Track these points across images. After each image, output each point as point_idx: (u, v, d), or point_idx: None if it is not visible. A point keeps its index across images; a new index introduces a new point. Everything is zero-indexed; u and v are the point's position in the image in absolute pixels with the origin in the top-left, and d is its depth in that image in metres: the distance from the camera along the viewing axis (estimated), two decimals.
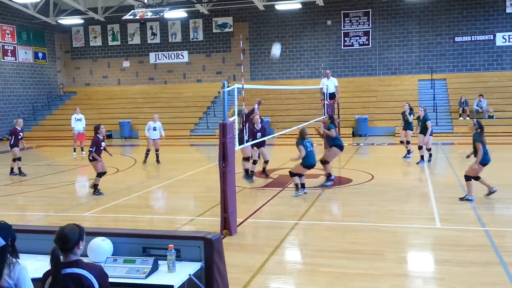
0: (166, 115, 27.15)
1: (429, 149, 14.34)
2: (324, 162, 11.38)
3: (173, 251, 3.90)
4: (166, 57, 30.72)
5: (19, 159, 14.21)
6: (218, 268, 4.07)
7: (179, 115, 27.26)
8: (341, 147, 11.50)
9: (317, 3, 26.33)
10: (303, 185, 10.34)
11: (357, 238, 7.31)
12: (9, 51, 28.11)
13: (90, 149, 10.99)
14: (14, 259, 3.30)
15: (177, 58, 30.55)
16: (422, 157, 14.29)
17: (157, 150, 15.81)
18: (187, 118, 26.96)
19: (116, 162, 16.31)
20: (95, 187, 11.08)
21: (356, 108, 24.53)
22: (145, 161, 15.85)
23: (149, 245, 4.25)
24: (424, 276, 5.87)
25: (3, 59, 27.70)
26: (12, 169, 14.35)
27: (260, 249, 6.84)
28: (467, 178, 9.34)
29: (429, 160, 14.38)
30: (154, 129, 15.67)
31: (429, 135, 14.17)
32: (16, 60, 28.56)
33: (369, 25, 27.40)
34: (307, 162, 10.21)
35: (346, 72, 27.65)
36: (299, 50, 28.53)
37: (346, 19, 27.67)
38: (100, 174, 11.13)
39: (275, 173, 13.35)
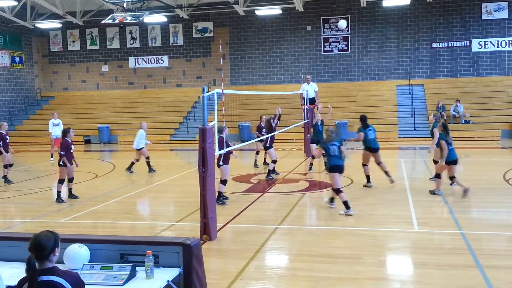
0: (146, 120, 26.93)
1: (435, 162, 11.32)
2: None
3: (151, 257, 3.86)
4: (145, 62, 30.52)
5: (10, 165, 13.80)
6: (197, 274, 4.04)
7: (159, 120, 27.09)
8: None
9: (297, 8, 26.50)
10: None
11: (337, 242, 7.35)
12: None
13: (61, 152, 10.65)
14: None
15: (157, 63, 30.38)
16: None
17: (147, 158, 14.89)
18: (167, 123, 26.81)
19: (94, 168, 16.12)
20: (58, 194, 10.79)
21: (336, 113, 24.66)
22: (130, 169, 14.96)
23: (127, 252, 4.20)
24: (402, 279, 5.92)
25: None
26: (5, 176, 13.78)
27: (240, 254, 6.82)
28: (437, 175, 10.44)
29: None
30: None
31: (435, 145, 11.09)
32: None
33: (348, 31, 27.67)
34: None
35: (326, 77, 27.86)
36: (279, 55, 28.66)
37: (325, 24, 27.89)
38: (62, 181, 10.83)
39: (255, 177, 13.36)
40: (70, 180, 11.06)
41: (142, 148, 14.69)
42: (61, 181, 10.85)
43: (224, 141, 9.27)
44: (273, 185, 12.21)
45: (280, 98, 25.87)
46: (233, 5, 26.15)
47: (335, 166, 9.12)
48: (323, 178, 13.21)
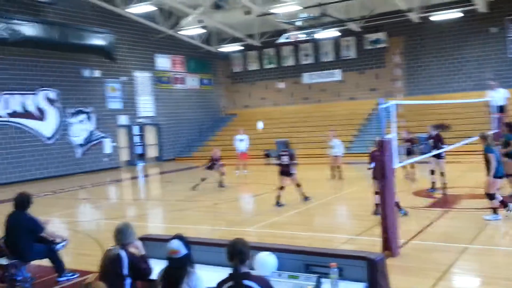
0: (320, 134, 27.41)
1: None
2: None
3: (336, 269, 3.88)
4: (319, 77, 31.12)
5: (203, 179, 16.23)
6: None
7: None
8: None
9: (479, 10, 24.43)
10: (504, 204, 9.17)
11: None
12: (179, 79, 31.24)
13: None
14: (192, 269, 3.59)
15: (330, 77, 30.75)
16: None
17: (338, 167, 16.68)
18: (341, 136, 26.74)
19: (274, 180, 16.83)
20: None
21: None
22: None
23: (311, 262, 4.28)
24: None
25: (175, 86, 30.88)
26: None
27: (426, 273, 6.44)
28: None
29: None
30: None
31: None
32: (185, 86, 31.60)
33: None
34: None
35: None
36: (460, 61, 26.69)
37: (511, 25, 25.17)
38: (282, 188, 12.21)
39: (438, 192, 12.55)
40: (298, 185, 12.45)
41: None
42: (281, 188, 12.17)
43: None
44: (458, 201, 11.33)
45: (462, 107, 24.03)
46: (407, 13, 25.20)
47: None
48: None
